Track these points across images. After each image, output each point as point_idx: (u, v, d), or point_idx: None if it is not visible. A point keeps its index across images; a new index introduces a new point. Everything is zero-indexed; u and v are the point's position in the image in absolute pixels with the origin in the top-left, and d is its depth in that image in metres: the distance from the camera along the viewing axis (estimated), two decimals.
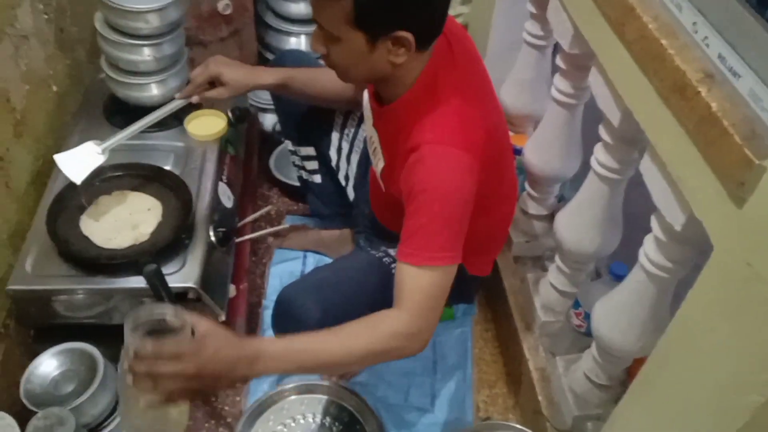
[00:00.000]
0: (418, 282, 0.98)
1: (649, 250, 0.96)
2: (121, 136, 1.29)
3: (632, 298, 1.03)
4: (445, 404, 1.45)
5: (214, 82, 1.31)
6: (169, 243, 1.24)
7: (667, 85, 0.79)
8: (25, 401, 1.15)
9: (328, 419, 1.40)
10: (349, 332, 0.96)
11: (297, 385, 1.44)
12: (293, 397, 1.43)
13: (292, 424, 1.39)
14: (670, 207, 0.86)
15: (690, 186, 0.79)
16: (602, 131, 1.08)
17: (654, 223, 0.93)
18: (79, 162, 1.25)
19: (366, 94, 1.18)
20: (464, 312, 1.62)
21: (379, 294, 1.07)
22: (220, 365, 0.90)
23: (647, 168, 0.91)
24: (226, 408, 1.42)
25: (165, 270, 1.20)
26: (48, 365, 1.23)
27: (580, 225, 1.20)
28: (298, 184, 1.71)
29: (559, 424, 1.26)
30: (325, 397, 1.43)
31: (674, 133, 0.79)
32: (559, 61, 1.25)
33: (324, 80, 1.29)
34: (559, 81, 1.26)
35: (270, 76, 1.33)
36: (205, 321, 0.94)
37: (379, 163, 1.17)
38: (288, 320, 1.18)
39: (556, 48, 1.32)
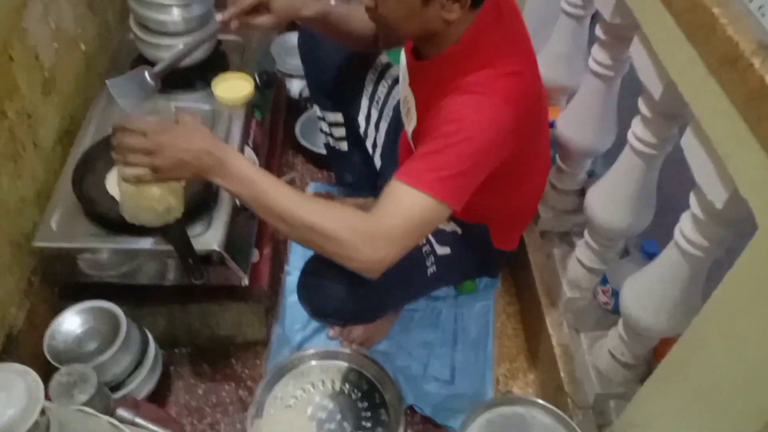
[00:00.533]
0: (405, 203, 0.91)
1: (685, 228, 0.93)
2: (169, 62, 1.26)
3: (665, 277, 1.00)
4: (465, 377, 1.45)
5: (257, 9, 1.19)
6: (194, 205, 1.24)
7: (717, 57, 0.76)
8: (48, 357, 1.17)
9: (347, 386, 1.40)
10: (312, 203, 0.93)
11: (318, 351, 1.45)
12: (314, 362, 1.44)
13: (312, 390, 1.39)
14: (712, 184, 0.82)
15: (736, 163, 0.75)
16: (642, 104, 1.05)
17: (693, 200, 0.90)
18: (132, 90, 1.23)
19: (402, 54, 1.15)
20: (487, 285, 1.60)
21: (406, 269, 1.02)
22: (188, 152, 0.93)
23: (689, 143, 0.87)
24: (246, 371, 1.43)
25: (189, 233, 1.19)
26: (71, 323, 1.24)
27: (612, 201, 1.17)
28: (323, 152, 1.69)
29: (581, 401, 1.24)
30: (345, 364, 1.44)
31: (722, 107, 0.75)
32: (598, 32, 1.20)
33: (357, 18, 1.24)
34: (597, 52, 1.22)
35: (311, 8, 1.25)
36: (190, 115, 0.97)
37: (411, 124, 1.14)
38: (314, 291, 1.17)
39: (594, 18, 1.27)
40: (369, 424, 1.35)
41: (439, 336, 1.51)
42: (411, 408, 1.38)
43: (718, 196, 0.82)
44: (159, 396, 1.33)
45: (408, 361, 1.46)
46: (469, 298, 1.58)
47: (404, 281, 0.94)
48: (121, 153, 0.95)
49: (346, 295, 1.11)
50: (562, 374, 1.30)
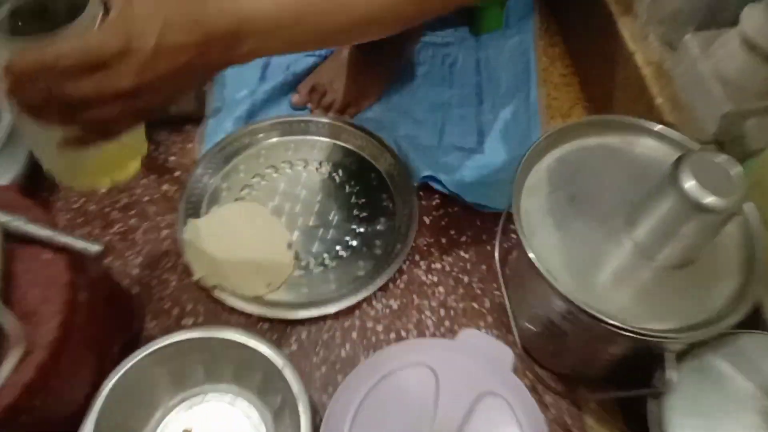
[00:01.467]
0: None
1: None
2: None
3: None
4: (499, 141, 0.97)
5: None
6: None
7: None
8: None
9: (327, 167, 0.94)
10: None
11: (280, 121, 0.97)
12: (274, 139, 0.97)
13: (274, 175, 0.93)
14: None
15: None
16: None
17: None
18: None
19: None
20: (520, 18, 1.10)
21: None
22: (175, 58, 0.47)
23: None
24: (172, 158, 0.95)
25: None
26: None
27: None
28: None
29: (696, 130, 0.78)
30: (320, 139, 0.97)
31: None
32: None
33: None
34: None
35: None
36: None
37: None
38: None
39: None
40: (365, 215, 0.90)
41: (457, 93, 1.03)
42: (425, 186, 0.92)
43: None
44: (38, 196, 0.87)
45: (415, 129, 0.98)
46: (494, 37, 1.08)
47: None
48: (78, 113, 0.46)
49: None
50: (658, 101, 0.83)
